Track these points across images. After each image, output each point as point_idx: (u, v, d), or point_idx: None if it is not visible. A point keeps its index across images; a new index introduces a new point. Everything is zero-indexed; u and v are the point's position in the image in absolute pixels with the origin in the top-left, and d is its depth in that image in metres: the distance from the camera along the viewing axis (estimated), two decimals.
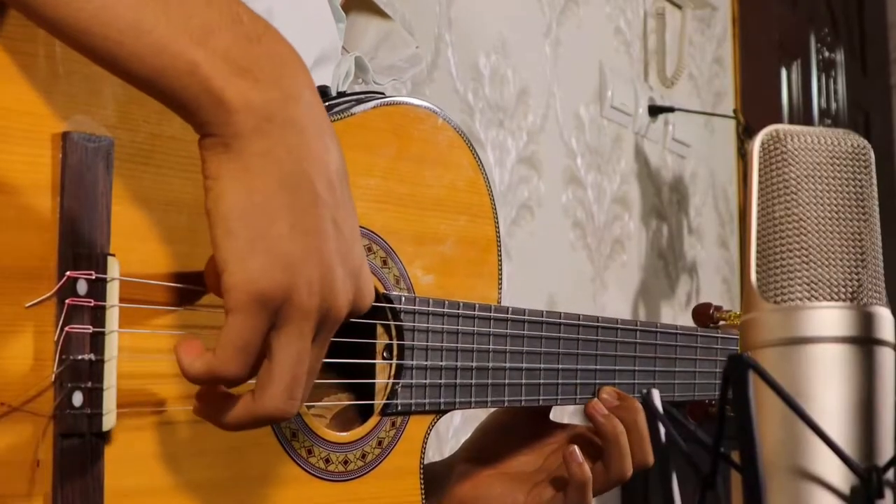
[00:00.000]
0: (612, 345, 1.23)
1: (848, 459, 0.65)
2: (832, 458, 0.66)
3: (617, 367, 1.22)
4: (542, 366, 1.15)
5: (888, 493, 0.66)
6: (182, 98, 0.72)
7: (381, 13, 1.27)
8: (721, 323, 1.50)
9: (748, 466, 0.63)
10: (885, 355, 0.69)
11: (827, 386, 0.68)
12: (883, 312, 0.70)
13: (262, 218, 0.73)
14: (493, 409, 1.22)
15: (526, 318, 1.14)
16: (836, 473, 0.66)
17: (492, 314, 1.11)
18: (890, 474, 0.66)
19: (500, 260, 1.16)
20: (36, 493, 0.76)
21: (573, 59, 2.57)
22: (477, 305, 1.09)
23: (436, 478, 1.15)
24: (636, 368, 1.25)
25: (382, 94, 1.07)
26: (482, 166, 1.13)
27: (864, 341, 0.68)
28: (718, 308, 1.50)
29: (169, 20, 0.71)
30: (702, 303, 1.55)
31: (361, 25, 1.25)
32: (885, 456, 0.67)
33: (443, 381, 1.07)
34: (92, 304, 0.78)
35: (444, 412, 1.08)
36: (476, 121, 2.18)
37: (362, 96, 1.04)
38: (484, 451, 1.19)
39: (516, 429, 1.19)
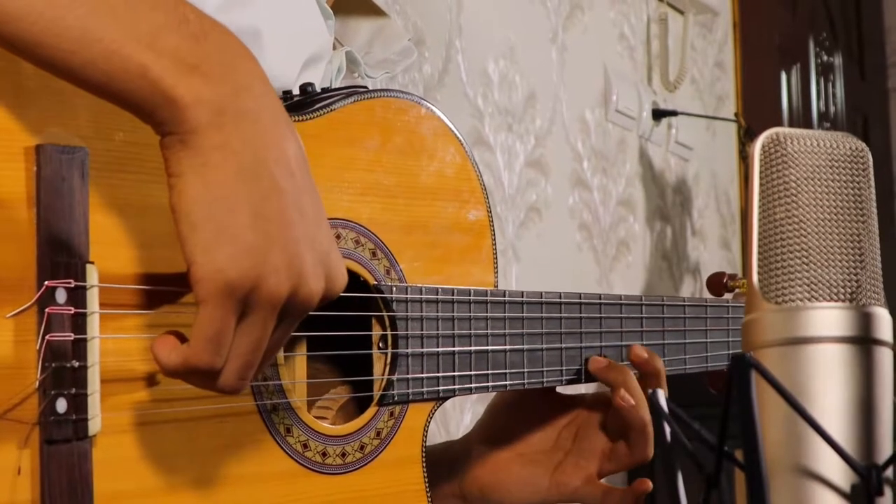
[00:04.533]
0: (617, 321, 1.22)
1: (848, 458, 0.66)
2: (833, 456, 0.66)
3: (623, 343, 1.22)
4: (545, 346, 1.14)
5: (888, 491, 0.67)
6: (136, 100, 0.74)
7: (375, 10, 1.27)
8: (736, 291, 1.50)
9: (751, 465, 0.63)
10: (883, 355, 0.69)
11: (827, 385, 0.68)
12: (881, 313, 0.70)
13: (224, 209, 0.74)
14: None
15: (524, 299, 1.13)
16: (837, 471, 0.67)
17: (487, 298, 1.10)
18: (889, 472, 0.67)
19: (495, 243, 1.15)
20: (22, 500, 0.76)
21: (579, 64, 2.58)
22: (471, 290, 1.08)
23: (455, 459, 1.15)
24: (644, 343, 1.24)
25: (365, 87, 1.07)
26: (470, 152, 1.13)
27: (863, 341, 0.69)
28: (732, 276, 1.50)
29: (117, 27, 0.73)
30: (716, 272, 1.55)
31: (354, 23, 1.25)
32: (884, 454, 0.68)
33: (440, 368, 1.06)
34: (72, 312, 0.79)
35: (444, 399, 1.07)
36: (486, 125, 2.19)
37: (345, 91, 1.04)
38: (497, 431, 1.19)
39: (524, 406, 1.19)
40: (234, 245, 0.74)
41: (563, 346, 1.16)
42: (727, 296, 1.50)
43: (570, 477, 1.14)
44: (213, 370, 0.76)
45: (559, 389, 1.21)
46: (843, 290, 0.70)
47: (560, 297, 1.16)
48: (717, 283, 1.50)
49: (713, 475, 0.68)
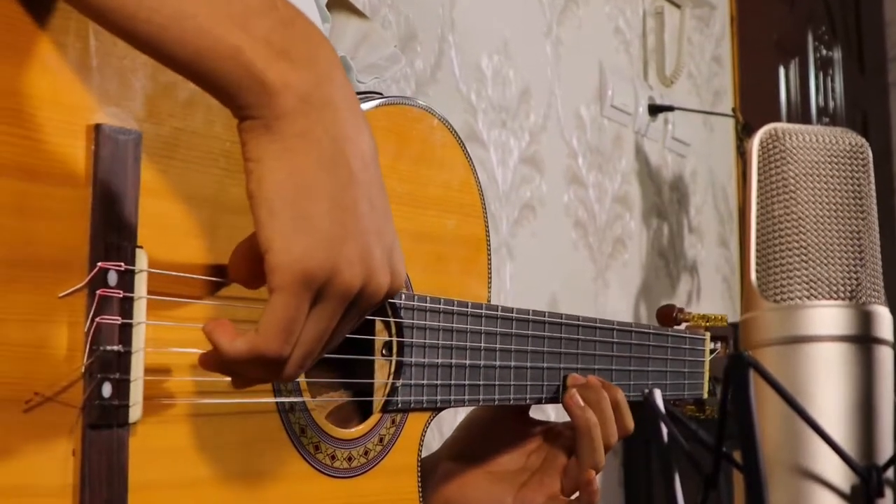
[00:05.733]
0: (592, 344, 1.24)
1: (848, 458, 0.66)
2: (832, 456, 0.66)
3: (596, 367, 1.24)
4: (529, 364, 1.17)
5: (888, 492, 0.66)
6: (224, 81, 0.73)
7: (357, 13, 1.28)
8: (685, 325, 1.52)
9: (750, 466, 0.63)
10: (883, 354, 0.69)
11: (826, 385, 0.68)
12: (881, 311, 0.70)
13: (304, 198, 0.74)
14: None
15: (514, 315, 1.15)
16: (837, 472, 0.67)
17: (484, 312, 1.12)
18: (890, 473, 0.67)
19: (490, 258, 1.17)
20: (65, 483, 0.77)
21: (574, 58, 2.58)
22: (470, 304, 1.11)
23: (423, 476, 1.16)
24: (613, 368, 1.27)
25: (380, 93, 1.09)
26: (473, 166, 1.15)
27: (863, 340, 0.69)
28: (681, 310, 1.53)
29: (211, 5, 0.73)
30: (665, 304, 1.58)
31: (340, 26, 1.26)
32: (884, 454, 0.68)
33: (440, 378, 1.08)
34: (121, 295, 0.78)
35: (441, 409, 1.09)
36: (479, 121, 2.19)
37: (362, 96, 1.05)
38: (467, 448, 1.20)
39: (497, 426, 1.20)
40: (312, 234, 0.74)
41: (546, 365, 1.19)
42: (678, 328, 1.52)
43: (534, 494, 1.15)
44: (280, 359, 0.76)
45: (536, 408, 1.23)
46: (842, 288, 0.70)
47: (545, 317, 1.19)
48: (667, 316, 1.53)
49: (711, 476, 0.68)
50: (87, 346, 0.77)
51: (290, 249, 0.73)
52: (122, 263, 0.78)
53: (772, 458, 0.67)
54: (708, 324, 1.49)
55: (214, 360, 0.78)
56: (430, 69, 2.06)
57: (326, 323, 0.77)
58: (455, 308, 1.09)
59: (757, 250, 0.71)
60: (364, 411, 1.04)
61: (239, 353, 0.76)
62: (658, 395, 0.73)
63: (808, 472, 0.67)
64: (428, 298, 1.06)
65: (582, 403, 1.14)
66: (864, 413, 0.68)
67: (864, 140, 0.74)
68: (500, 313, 1.14)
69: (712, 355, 1.46)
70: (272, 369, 0.77)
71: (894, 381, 0.70)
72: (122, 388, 0.79)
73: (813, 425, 0.67)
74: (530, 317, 1.17)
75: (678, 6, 3.09)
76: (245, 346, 0.75)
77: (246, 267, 0.77)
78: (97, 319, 0.77)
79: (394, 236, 0.80)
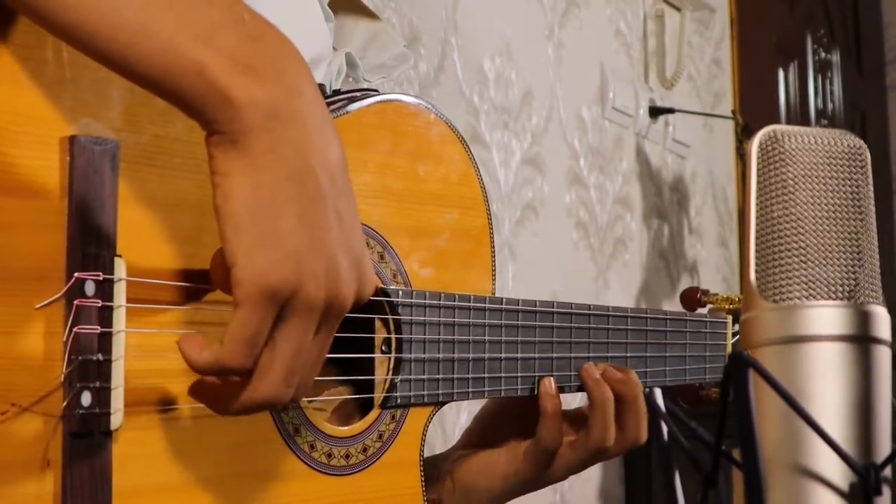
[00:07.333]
0: (604, 332, 1.23)
1: (846, 457, 0.66)
2: (831, 455, 0.66)
3: (609, 354, 1.23)
4: (537, 355, 1.16)
5: (886, 490, 0.67)
6: (189, 97, 0.73)
7: (368, 13, 1.28)
8: (709, 307, 1.51)
9: (749, 464, 0.64)
10: (881, 353, 0.70)
11: (825, 384, 0.69)
12: (879, 311, 0.70)
13: (270, 213, 0.74)
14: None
15: (520, 307, 1.15)
16: (835, 470, 0.67)
17: (486, 305, 1.11)
18: (888, 471, 0.67)
19: (493, 250, 1.17)
20: (46, 492, 0.77)
21: (575, 61, 2.58)
22: (472, 297, 1.10)
23: (434, 467, 1.16)
24: (628, 355, 1.26)
25: (376, 91, 1.08)
26: (473, 159, 1.15)
27: (861, 339, 0.69)
28: (706, 292, 1.51)
29: (175, 21, 0.72)
30: (689, 287, 1.56)
31: (350, 26, 1.25)
32: (882, 453, 0.68)
33: (440, 373, 1.07)
34: (100, 305, 0.79)
35: (443, 404, 1.09)
36: (482, 122, 2.20)
37: (356, 94, 1.05)
38: (480, 437, 1.20)
39: (510, 414, 1.20)
40: (276, 249, 0.74)
41: (554, 355, 1.18)
42: (702, 310, 1.50)
43: (523, 443, 1.15)
44: (243, 370, 0.77)
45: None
46: (840, 289, 0.70)
47: (553, 307, 1.18)
48: (691, 298, 1.51)
49: (711, 474, 0.69)
50: (66, 356, 0.77)
51: (253, 264, 0.74)
52: (100, 273, 0.78)
53: (771, 456, 0.68)
54: (731, 306, 1.47)
55: (198, 388, 0.79)
56: (434, 71, 2.06)
57: (298, 336, 0.77)
58: (455, 303, 1.08)
59: (756, 251, 0.72)
60: (367, 409, 1.04)
61: (206, 363, 0.77)
62: (658, 394, 0.73)
63: (806, 471, 0.68)
64: (426, 294, 1.06)
65: (597, 376, 1.14)
66: (863, 412, 0.68)
67: (862, 142, 0.74)
68: (503, 306, 1.13)
69: (735, 338, 1.44)
70: (238, 385, 0.78)
71: (892, 381, 0.71)
72: (102, 396, 0.79)
73: (812, 424, 0.67)
74: (537, 308, 1.16)
75: (678, 9, 3.10)
76: (210, 356, 0.76)
77: (223, 273, 0.77)
78: (75, 329, 0.77)
79: (362, 246, 0.81)
